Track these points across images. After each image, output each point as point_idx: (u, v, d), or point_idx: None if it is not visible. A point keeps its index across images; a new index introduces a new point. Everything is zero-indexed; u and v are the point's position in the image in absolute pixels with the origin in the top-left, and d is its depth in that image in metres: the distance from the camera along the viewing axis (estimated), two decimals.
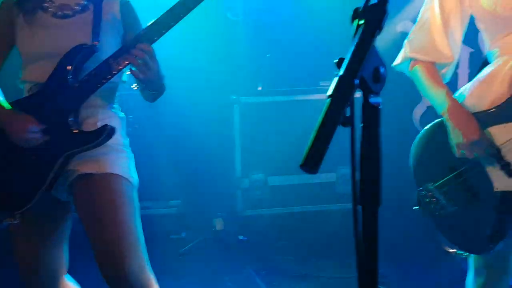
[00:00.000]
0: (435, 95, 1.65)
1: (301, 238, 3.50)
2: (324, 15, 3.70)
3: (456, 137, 1.57)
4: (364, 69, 0.82)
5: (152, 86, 1.78)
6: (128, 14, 1.85)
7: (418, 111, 3.63)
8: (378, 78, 0.85)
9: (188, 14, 1.69)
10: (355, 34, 0.84)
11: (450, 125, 1.59)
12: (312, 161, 0.79)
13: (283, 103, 3.80)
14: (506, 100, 1.53)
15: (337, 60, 0.85)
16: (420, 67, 1.68)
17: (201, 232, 3.57)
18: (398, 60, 1.75)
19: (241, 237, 3.57)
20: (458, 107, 1.60)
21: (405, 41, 1.74)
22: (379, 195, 0.87)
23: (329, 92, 0.81)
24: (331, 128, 0.79)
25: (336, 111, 0.79)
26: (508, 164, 1.52)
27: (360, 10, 0.84)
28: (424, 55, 1.67)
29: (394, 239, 2.88)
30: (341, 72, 0.81)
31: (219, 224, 3.63)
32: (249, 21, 3.84)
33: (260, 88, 3.88)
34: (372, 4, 0.82)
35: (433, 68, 1.67)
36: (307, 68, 3.80)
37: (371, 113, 0.85)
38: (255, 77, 3.89)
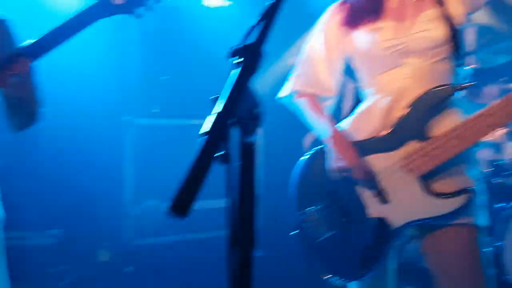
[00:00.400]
0: (319, 124, 1.72)
1: (195, 267, 3.37)
2: (222, 39, 3.68)
3: (336, 161, 1.63)
4: (240, 108, 0.79)
5: (23, 111, 1.62)
6: (3, 33, 1.68)
7: (309, 139, 3.73)
8: (254, 117, 0.82)
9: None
10: (232, 72, 0.79)
11: (331, 151, 1.65)
12: (182, 205, 0.74)
13: (179, 127, 3.70)
14: (384, 132, 1.61)
15: (213, 97, 0.82)
16: (304, 99, 1.76)
17: (83, 265, 3.29)
18: (283, 93, 1.81)
19: (127, 269, 3.35)
20: (339, 134, 1.66)
21: (290, 75, 1.80)
22: (253, 236, 0.85)
23: (204, 130, 0.78)
24: (204, 169, 0.75)
25: (210, 151, 0.77)
26: (381, 191, 1.57)
27: (238, 48, 0.79)
28: (308, 87, 1.74)
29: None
30: (216, 111, 0.79)
31: (104, 255, 3.37)
32: (145, 41, 3.71)
33: (155, 110, 3.74)
34: (249, 45, 0.78)
35: (317, 100, 1.75)
36: (205, 91, 3.74)
37: (247, 152, 0.82)
38: (150, 99, 3.76)
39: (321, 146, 1.74)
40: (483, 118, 1.46)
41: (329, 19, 1.73)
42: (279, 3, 0.82)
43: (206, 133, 0.75)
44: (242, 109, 0.78)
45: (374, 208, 1.60)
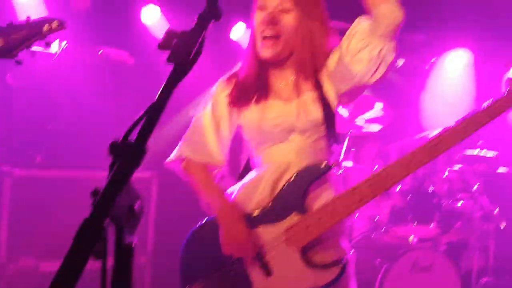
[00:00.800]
0: (208, 195, 1.73)
1: None
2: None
3: (225, 236, 1.63)
4: (118, 206, 0.77)
5: None
6: None
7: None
8: (133, 215, 0.80)
9: None
10: (110, 168, 0.78)
11: (220, 224, 1.65)
12: None
13: (63, 179, 3.47)
14: (268, 204, 1.66)
15: (93, 190, 0.79)
16: (193, 167, 1.76)
17: None
18: (171, 158, 1.79)
19: None
20: (228, 207, 1.68)
21: (180, 141, 1.79)
22: None
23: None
24: (72, 274, 0.71)
25: (80, 255, 0.74)
26: (265, 264, 1.61)
27: (117, 145, 0.78)
28: (197, 156, 1.75)
29: None
30: (89, 214, 0.76)
31: None
32: (30, 88, 3.50)
33: (38, 160, 3.50)
34: (130, 142, 0.78)
35: (206, 168, 1.76)
36: (93, 142, 3.61)
37: (124, 253, 0.79)
38: (33, 148, 3.51)
39: (211, 217, 1.73)
40: (352, 195, 1.59)
41: (219, 91, 1.78)
42: (164, 101, 0.83)
43: (76, 236, 0.72)
44: (119, 207, 0.76)
45: (258, 282, 1.63)
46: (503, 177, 4.56)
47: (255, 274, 1.63)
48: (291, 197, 1.64)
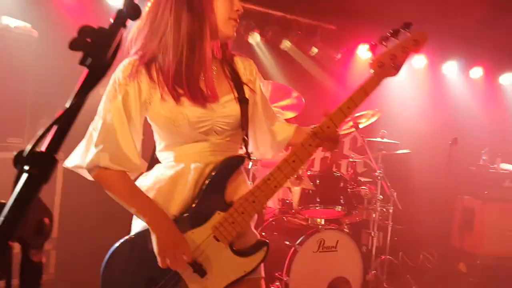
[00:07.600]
0: (136, 204, 1.55)
1: None
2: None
3: (162, 247, 1.53)
4: (25, 223, 0.71)
5: None
6: None
7: None
8: (42, 231, 0.75)
9: None
10: (16, 181, 0.71)
11: (157, 237, 1.53)
12: None
13: None
14: (192, 206, 1.60)
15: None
16: (113, 177, 1.53)
17: None
18: (83, 164, 1.52)
19: None
20: (162, 218, 1.55)
21: (93, 147, 1.52)
22: None
23: None
24: None
25: None
26: (200, 264, 1.58)
27: (24, 156, 0.70)
28: (117, 165, 1.51)
29: None
30: None
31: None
32: None
33: None
34: (38, 152, 0.71)
35: (127, 176, 1.56)
36: None
37: (32, 271, 0.74)
38: None
39: (136, 233, 1.61)
40: (267, 183, 1.61)
41: (129, 77, 1.54)
42: (78, 107, 0.77)
43: None
44: (26, 225, 0.71)
45: (194, 284, 1.58)
46: (402, 165, 4.91)
47: (191, 280, 1.58)
48: (213, 197, 1.60)
